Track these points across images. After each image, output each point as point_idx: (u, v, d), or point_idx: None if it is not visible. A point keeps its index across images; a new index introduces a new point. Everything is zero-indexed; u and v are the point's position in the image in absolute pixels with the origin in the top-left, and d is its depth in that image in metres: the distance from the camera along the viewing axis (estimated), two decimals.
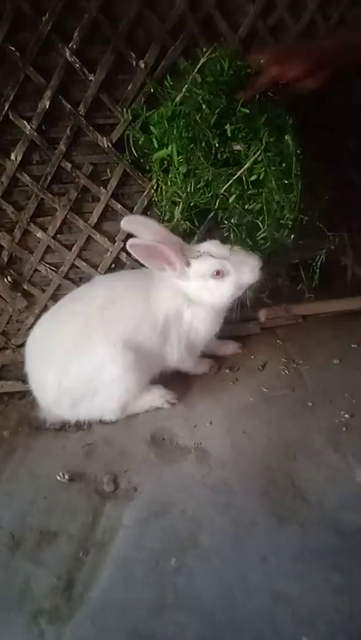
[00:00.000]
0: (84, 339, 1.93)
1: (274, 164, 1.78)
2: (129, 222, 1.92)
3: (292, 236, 1.94)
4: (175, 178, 1.89)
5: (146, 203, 2.15)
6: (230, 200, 1.84)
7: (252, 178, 1.82)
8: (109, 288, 2.02)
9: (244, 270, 1.92)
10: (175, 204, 1.96)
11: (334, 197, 2.04)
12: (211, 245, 1.96)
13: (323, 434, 1.89)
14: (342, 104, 2.17)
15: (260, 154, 1.77)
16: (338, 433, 1.89)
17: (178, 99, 1.81)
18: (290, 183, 1.81)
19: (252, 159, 1.78)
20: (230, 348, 2.37)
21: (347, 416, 1.95)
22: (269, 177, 1.80)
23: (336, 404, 2.02)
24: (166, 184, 1.95)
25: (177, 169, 1.86)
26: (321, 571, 1.44)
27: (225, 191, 1.84)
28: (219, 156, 1.81)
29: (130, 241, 1.83)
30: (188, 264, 1.93)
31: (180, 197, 1.92)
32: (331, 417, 1.96)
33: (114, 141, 2.02)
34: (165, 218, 2.02)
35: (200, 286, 1.95)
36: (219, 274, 1.91)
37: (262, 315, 2.44)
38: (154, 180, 2.02)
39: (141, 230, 1.89)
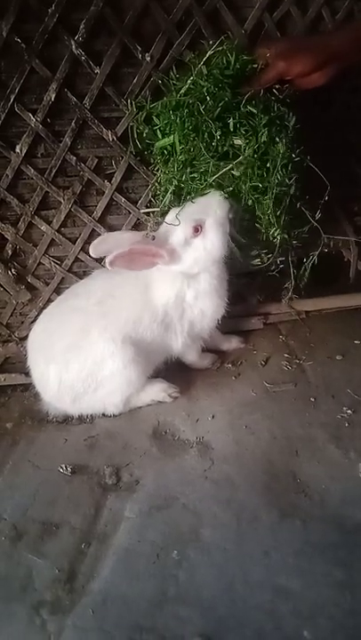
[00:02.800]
0: (84, 334, 1.93)
1: (254, 166, 1.79)
2: (97, 247, 1.89)
3: (285, 235, 1.95)
4: (172, 166, 1.89)
5: (150, 196, 2.14)
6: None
7: (237, 174, 1.82)
8: (107, 282, 2.01)
9: (213, 209, 1.86)
10: (167, 190, 1.97)
11: (338, 194, 2.03)
12: (171, 215, 1.91)
13: (325, 429, 1.90)
14: (347, 101, 2.16)
15: (250, 154, 1.78)
16: (340, 428, 1.90)
17: (183, 90, 1.81)
18: (265, 187, 1.82)
19: (242, 156, 1.79)
20: (233, 342, 2.37)
21: (349, 412, 1.96)
22: (246, 177, 1.82)
23: (339, 400, 2.02)
24: (164, 173, 1.95)
25: (177, 157, 1.86)
26: (322, 566, 1.45)
27: (215, 182, 1.85)
28: (219, 148, 1.81)
29: (107, 261, 1.76)
30: (167, 242, 1.89)
31: (172, 184, 1.93)
32: (333, 412, 1.97)
33: (119, 135, 2.02)
34: (165, 208, 2.02)
35: (191, 253, 1.90)
36: (197, 230, 1.87)
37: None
38: (159, 174, 2.02)
39: (111, 246, 1.84)
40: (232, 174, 1.83)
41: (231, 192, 1.86)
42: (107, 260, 1.76)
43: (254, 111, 1.76)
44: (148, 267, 1.89)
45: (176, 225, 1.85)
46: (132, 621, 1.37)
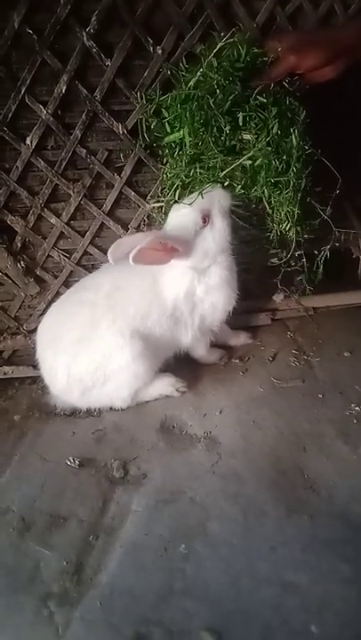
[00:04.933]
0: (93, 328, 1.93)
1: (270, 159, 1.78)
2: (114, 253, 1.86)
3: (296, 229, 1.95)
4: (181, 161, 1.89)
5: (159, 190, 2.13)
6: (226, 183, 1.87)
7: (252, 163, 1.82)
8: (116, 275, 2.01)
9: (217, 199, 1.88)
10: (174, 185, 1.96)
11: (347, 188, 2.02)
12: (178, 208, 1.92)
13: (333, 426, 1.89)
14: (358, 94, 2.14)
15: (263, 146, 1.77)
16: (348, 425, 1.89)
17: (192, 82, 1.80)
18: (285, 181, 1.81)
19: (254, 149, 1.78)
20: (241, 338, 2.36)
21: (357, 408, 1.95)
22: (263, 171, 1.81)
23: (347, 397, 2.02)
24: (171, 167, 1.95)
25: (186, 152, 1.86)
26: (330, 561, 1.44)
27: (226, 177, 1.85)
28: (227, 143, 1.80)
29: (131, 257, 1.73)
30: (178, 235, 1.88)
31: (181, 179, 1.92)
32: (341, 409, 1.97)
33: (129, 128, 2.01)
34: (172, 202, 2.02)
35: (201, 244, 1.90)
36: (205, 220, 1.89)
37: (278, 297, 2.44)
38: (166, 167, 2.01)
39: (127, 250, 1.81)
40: (246, 167, 1.81)
41: (243, 186, 1.85)
42: (130, 257, 1.73)
43: (264, 101, 1.75)
44: (164, 262, 1.88)
45: (200, 198, 1.86)
46: (139, 614, 1.37)
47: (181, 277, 1.97)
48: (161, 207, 2.11)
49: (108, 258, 1.87)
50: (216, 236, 1.90)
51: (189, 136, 1.83)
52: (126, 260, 1.75)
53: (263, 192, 1.85)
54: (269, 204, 1.89)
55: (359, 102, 2.16)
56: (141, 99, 1.95)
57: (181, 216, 1.90)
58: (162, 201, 2.10)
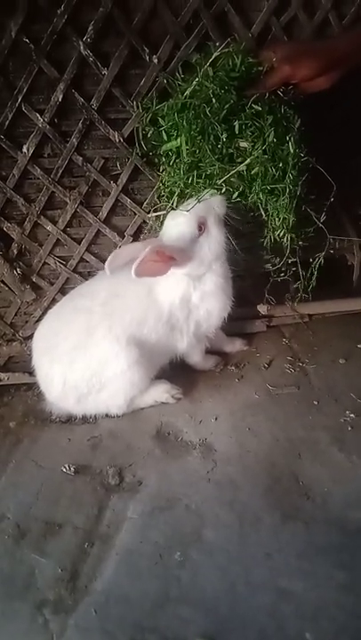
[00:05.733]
0: (89, 335, 1.94)
1: (267, 166, 1.80)
2: (111, 263, 1.87)
3: (291, 236, 1.97)
4: (178, 169, 1.90)
5: (156, 197, 2.14)
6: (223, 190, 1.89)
7: (251, 172, 1.83)
8: (112, 282, 2.00)
9: (213, 206, 1.90)
10: (173, 194, 1.97)
11: (342, 197, 2.04)
12: (175, 216, 1.94)
13: (328, 432, 1.90)
14: (354, 103, 2.16)
15: (260, 154, 1.78)
16: (343, 432, 1.90)
17: (188, 91, 1.82)
18: (281, 188, 1.83)
19: (250, 157, 1.80)
20: (236, 344, 2.37)
21: (352, 415, 1.96)
22: (259, 178, 1.83)
23: (341, 404, 2.03)
24: (169, 175, 1.96)
25: (183, 160, 1.87)
26: (325, 568, 1.45)
27: (223, 184, 1.86)
28: (224, 151, 1.82)
29: (134, 271, 1.72)
30: (175, 244, 1.89)
31: (179, 187, 1.94)
32: (336, 416, 1.97)
33: (125, 136, 2.02)
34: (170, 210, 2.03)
35: (197, 251, 1.91)
36: (201, 228, 1.90)
37: (262, 308, 2.44)
38: (163, 176, 2.02)
39: (125, 260, 1.85)
40: (242, 174, 1.83)
41: (240, 193, 1.87)
42: (132, 271, 1.73)
43: (259, 109, 1.77)
44: (164, 273, 1.86)
45: (195, 207, 1.87)
46: (135, 621, 1.37)
47: (177, 284, 1.97)
48: (159, 216, 2.12)
49: (106, 269, 1.88)
50: (212, 244, 1.92)
51: (186, 144, 1.84)
52: (123, 269, 1.76)
53: (260, 199, 1.86)
54: (265, 211, 1.91)
55: (354, 111, 2.18)
56: (137, 107, 1.97)
57: (178, 225, 1.91)
58: (161, 210, 2.10)
